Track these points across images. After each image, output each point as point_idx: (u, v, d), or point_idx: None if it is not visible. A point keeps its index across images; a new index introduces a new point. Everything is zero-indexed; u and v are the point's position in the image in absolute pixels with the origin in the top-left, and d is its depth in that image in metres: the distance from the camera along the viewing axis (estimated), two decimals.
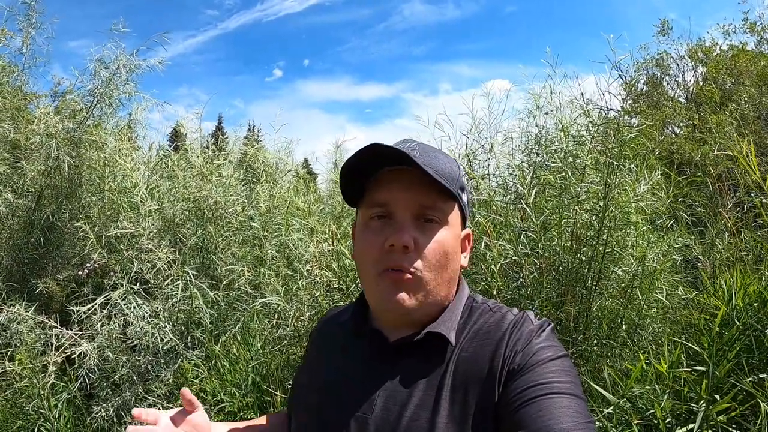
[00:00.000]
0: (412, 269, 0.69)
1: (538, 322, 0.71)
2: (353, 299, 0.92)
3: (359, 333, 0.79)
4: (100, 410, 2.58)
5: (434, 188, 0.70)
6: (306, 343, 0.97)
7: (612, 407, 1.76)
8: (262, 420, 0.98)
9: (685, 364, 1.79)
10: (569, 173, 2.35)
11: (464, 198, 0.77)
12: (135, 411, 0.74)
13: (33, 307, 2.79)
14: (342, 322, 0.86)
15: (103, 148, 3.46)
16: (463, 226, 0.78)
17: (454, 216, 0.75)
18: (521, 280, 2.32)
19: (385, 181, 0.73)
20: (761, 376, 1.63)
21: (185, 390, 0.81)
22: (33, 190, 3.57)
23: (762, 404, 1.47)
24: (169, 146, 4.44)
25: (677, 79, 6.34)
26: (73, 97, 3.74)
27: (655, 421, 1.74)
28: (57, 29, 3.96)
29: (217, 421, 1.02)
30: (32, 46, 3.85)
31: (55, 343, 2.61)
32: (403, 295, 0.70)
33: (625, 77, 5.06)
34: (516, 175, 2.66)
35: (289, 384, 2.44)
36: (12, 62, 3.83)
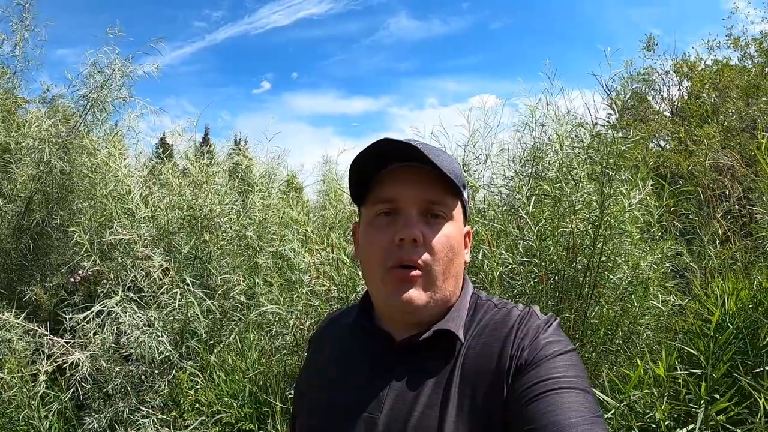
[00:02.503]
0: (421, 262, 0.69)
1: (545, 317, 0.71)
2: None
3: (365, 334, 0.78)
4: (92, 422, 2.51)
5: (442, 184, 0.71)
6: (307, 349, 0.95)
7: (612, 412, 1.79)
8: None
9: (679, 369, 1.84)
10: (564, 183, 2.41)
11: (465, 195, 0.78)
12: None
13: (22, 315, 2.71)
14: (346, 324, 0.84)
15: (94, 153, 3.41)
16: (464, 223, 0.79)
17: (458, 212, 0.75)
18: (519, 287, 2.36)
19: (391, 177, 0.73)
20: (759, 370, 1.68)
21: None
22: (23, 194, 3.50)
23: (760, 401, 1.51)
24: (157, 156, 4.39)
25: (662, 93, 6.53)
26: (65, 101, 3.70)
27: (653, 425, 1.78)
28: (46, 36, 3.91)
29: None
30: (24, 49, 3.80)
31: (46, 351, 2.54)
32: (412, 293, 0.69)
33: (609, 92, 5.21)
34: (512, 186, 2.71)
35: (289, 394, 2.41)
36: (3, 65, 3.77)
